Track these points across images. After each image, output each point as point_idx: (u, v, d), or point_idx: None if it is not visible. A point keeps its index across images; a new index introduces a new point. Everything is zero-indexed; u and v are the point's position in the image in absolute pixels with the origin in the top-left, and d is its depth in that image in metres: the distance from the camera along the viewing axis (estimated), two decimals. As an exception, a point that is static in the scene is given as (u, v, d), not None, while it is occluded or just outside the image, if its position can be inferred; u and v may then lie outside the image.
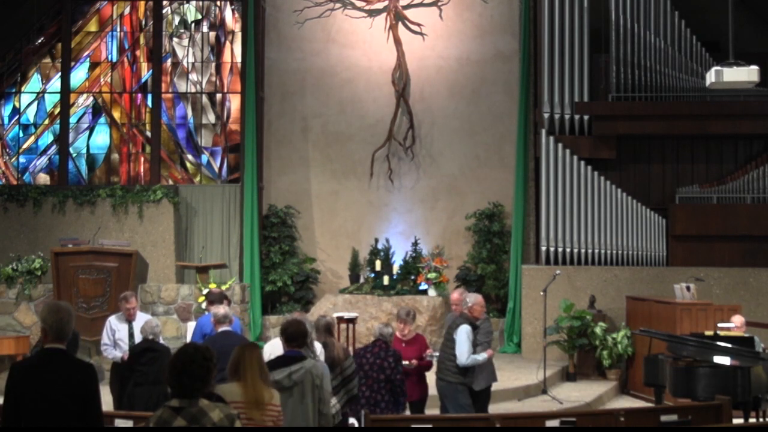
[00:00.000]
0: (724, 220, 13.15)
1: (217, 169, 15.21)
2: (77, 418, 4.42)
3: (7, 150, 15.34)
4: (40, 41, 15.35)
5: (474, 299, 8.21)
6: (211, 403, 4.08)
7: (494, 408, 9.27)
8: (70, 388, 4.43)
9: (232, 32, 15.32)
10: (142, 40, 15.39)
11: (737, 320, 10.02)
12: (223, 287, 12.65)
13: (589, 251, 13.27)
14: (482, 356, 8.10)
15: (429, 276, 13.65)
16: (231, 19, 15.36)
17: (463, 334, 7.92)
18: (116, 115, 15.29)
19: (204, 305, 9.14)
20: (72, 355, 4.74)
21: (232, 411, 4.10)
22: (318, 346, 6.90)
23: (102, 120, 15.30)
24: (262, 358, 5.23)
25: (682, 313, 11.06)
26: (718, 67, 9.88)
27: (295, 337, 5.82)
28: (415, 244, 14.32)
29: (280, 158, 14.99)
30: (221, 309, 8.31)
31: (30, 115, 15.37)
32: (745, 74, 9.72)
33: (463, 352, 7.87)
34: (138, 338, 8.72)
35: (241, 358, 5.13)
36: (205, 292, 12.53)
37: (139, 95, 15.30)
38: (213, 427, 3.99)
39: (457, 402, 7.95)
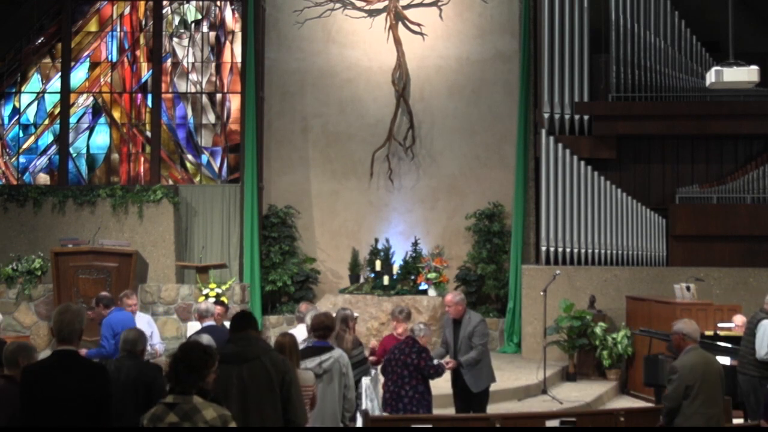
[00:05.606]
0: (724, 220, 13.13)
1: (217, 169, 15.21)
2: (90, 418, 4.43)
3: (7, 150, 15.34)
4: (40, 41, 15.35)
5: None
6: (206, 402, 4.09)
7: (494, 408, 9.27)
8: (83, 389, 4.44)
9: (232, 32, 15.32)
10: (142, 40, 15.38)
11: (738, 320, 10.03)
12: (223, 287, 12.66)
13: (589, 251, 13.26)
14: None
15: (429, 276, 13.65)
16: (231, 19, 15.35)
17: (765, 329, 8.04)
18: (116, 115, 15.28)
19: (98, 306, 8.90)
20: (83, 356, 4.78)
21: (226, 412, 4.11)
22: None
23: (102, 120, 15.29)
24: (295, 344, 5.91)
25: (682, 313, 10.97)
26: (718, 67, 9.88)
27: (316, 327, 6.51)
28: (415, 244, 14.32)
29: (280, 158, 14.98)
30: (203, 304, 8.37)
31: (30, 115, 15.36)
32: (745, 74, 9.71)
33: (763, 346, 8.01)
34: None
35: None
36: (206, 292, 12.55)
37: (139, 95, 15.29)
38: (205, 427, 4.00)
39: (758, 396, 7.98)
